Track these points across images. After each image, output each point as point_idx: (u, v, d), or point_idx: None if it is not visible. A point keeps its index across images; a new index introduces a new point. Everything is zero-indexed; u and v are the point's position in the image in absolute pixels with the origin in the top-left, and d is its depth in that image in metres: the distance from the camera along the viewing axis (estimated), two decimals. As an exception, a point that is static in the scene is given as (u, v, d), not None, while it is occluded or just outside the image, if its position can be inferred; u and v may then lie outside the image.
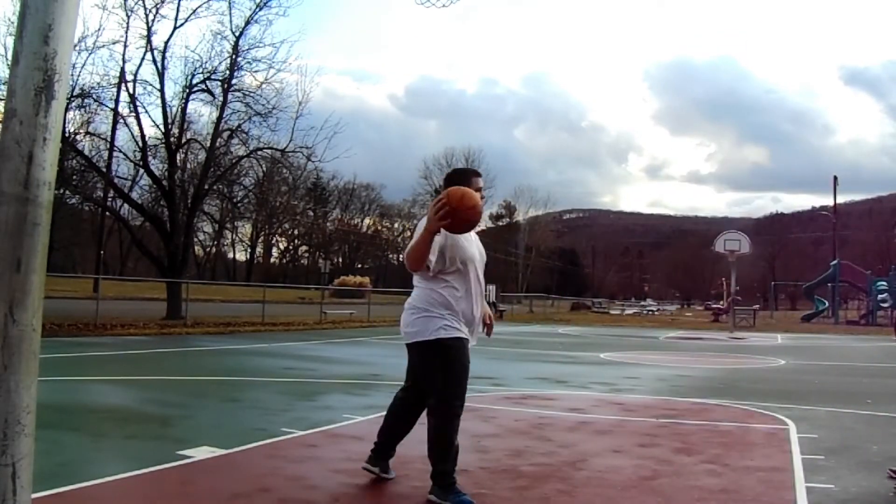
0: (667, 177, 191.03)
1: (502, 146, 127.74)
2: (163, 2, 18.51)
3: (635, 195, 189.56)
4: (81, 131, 19.66)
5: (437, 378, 3.49)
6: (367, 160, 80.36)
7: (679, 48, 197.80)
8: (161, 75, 18.77)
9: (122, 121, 20.15)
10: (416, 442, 5.03)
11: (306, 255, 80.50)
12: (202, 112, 20.72)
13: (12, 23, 14.67)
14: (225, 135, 20.21)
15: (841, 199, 44.19)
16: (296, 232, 73.59)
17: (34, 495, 1.98)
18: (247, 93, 19.76)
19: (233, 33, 19.11)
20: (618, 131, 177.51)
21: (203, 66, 19.27)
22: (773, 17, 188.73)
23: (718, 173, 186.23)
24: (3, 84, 13.19)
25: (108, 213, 25.51)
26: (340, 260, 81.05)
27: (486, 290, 3.79)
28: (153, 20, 18.42)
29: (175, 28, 18.69)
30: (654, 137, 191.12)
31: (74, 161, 19.20)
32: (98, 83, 18.90)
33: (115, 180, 20.96)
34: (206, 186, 20.40)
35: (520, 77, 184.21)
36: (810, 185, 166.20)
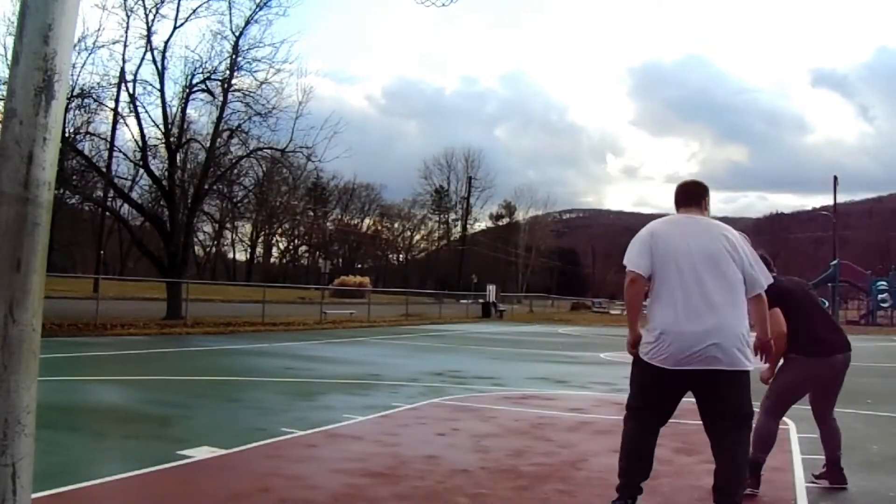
0: (646, 177, 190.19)
1: (487, 146, 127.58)
2: (163, 2, 18.49)
3: (619, 195, 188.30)
4: (81, 131, 19.67)
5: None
6: (356, 161, 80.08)
7: (654, 50, 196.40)
8: (161, 75, 18.77)
9: (122, 121, 20.18)
10: (416, 442, 5.03)
11: (306, 255, 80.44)
12: (202, 112, 20.69)
13: (12, 23, 14.65)
14: (225, 135, 20.21)
15: (832, 199, 43.92)
16: (296, 232, 73.55)
17: (34, 495, 1.98)
18: (247, 93, 19.76)
19: (233, 33, 19.11)
20: (598, 132, 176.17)
21: (203, 66, 19.27)
22: (744, 20, 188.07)
23: (700, 174, 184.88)
24: (3, 84, 13.18)
25: (108, 213, 25.49)
26: (340, 260, 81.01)
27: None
28: (153, 20, 18.40)
29: (175, 28, 18.67)
30: (633, 138, 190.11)
31: (74, 161, 19.17)
32: (98, 83, 18.88)
33: (115, 180, 20.95)
34: (206, 186, 20.39)
35: (498, 76, 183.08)
36: (793, 185, 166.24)
